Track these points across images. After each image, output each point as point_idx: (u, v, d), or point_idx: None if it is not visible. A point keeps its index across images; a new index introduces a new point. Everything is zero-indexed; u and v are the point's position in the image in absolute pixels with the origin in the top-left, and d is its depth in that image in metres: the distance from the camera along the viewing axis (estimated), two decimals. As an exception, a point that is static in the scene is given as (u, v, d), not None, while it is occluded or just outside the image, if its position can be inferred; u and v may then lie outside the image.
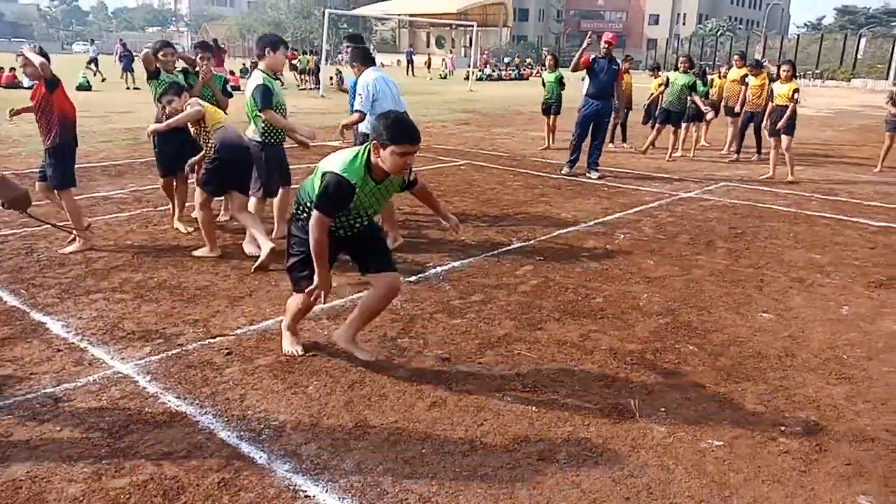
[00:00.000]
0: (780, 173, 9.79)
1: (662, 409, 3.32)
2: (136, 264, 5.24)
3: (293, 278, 3.60)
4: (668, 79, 11.34)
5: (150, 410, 3.16)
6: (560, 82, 12.26)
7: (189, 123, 5.29)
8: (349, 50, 6.07)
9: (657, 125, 11.56)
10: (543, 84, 12.38)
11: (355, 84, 5.89)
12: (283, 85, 6.82)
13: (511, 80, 41.87)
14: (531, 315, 4.49)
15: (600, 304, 4.74)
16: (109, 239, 5.88)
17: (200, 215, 5.40)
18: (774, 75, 11.88)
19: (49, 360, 3.64)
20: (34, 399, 3.23)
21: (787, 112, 9.43)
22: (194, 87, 6.15)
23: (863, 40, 45.35)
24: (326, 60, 28.70)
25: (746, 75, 11.45)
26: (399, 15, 51.34)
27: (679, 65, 11.38)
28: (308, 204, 3.38)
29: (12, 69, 21.80)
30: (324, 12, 28.55)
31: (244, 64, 33.60)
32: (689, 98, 11.11)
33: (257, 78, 5.46)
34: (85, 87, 22.40)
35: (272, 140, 5.59)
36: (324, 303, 3.68)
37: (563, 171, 9.72)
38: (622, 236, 6.50)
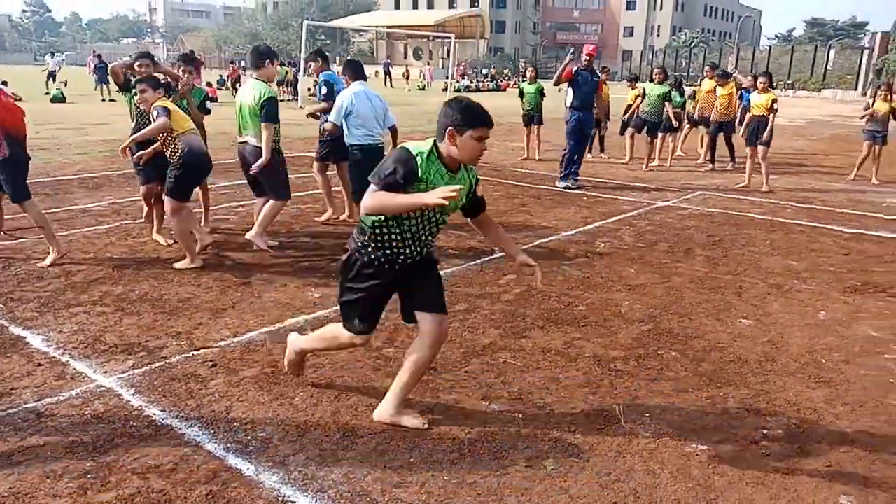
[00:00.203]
0: (756, 182, 9.97)
1: (647, 415, 3.36)
2: (116, 277, 5.18)
3: (346, 313, 3.16)
4: (644, 90, 11.57)
5: (134, 424, 3.13)
6: (540, 93, 12.40)
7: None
8: (311, 65, 6.54)
9: (631, 132, 11.77)
10: (521, 95, 12.49)
11: (326, 79, 6.46)
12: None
13: (489, 90, 42.12)
14: (515, 323, 4.52)
15: (583, 311, 4.78)
16: (89, 252, 5.82)
17: (175, 225, 5.38)
18: (743, 85, 12.15)
19: (30, 374, 3.59)
20: (15, 414, 3.19)
21: (770, 124, 9.63)
22: (171, 100, 6.11)
23: (832, 52, 46.38)
24: (304, 72, 28.69)
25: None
26: (377, 27, 51.54)
27: (654, 76, 11.67)
28: (365, 227, 2.97)
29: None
30: (301, 24, 28.57)
31: (221, 75, 33.42)
32: (664, 108, 11.36)
33: (259, 87, 5.62)
34: (59, 99, 22.16)
35: (278, 146, 5.83)
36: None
37: (561, 185, 9.58)
38: (602, 245, 6.57)
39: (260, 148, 5.64)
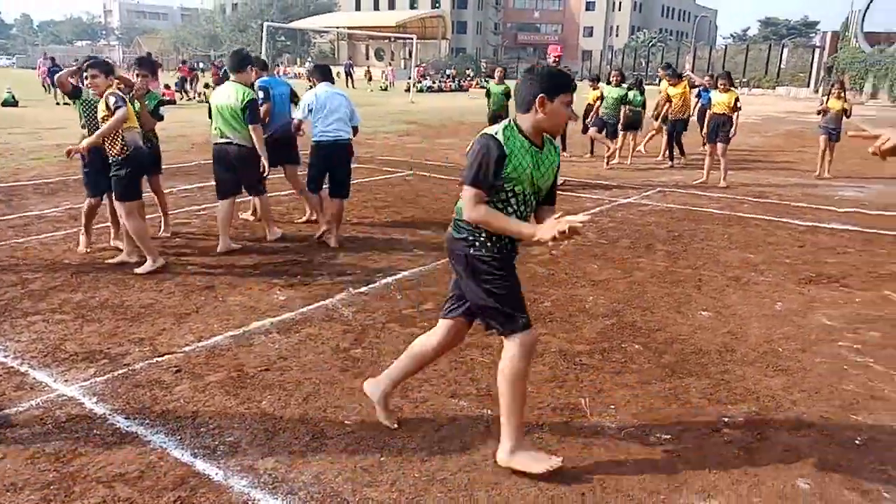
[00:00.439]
0: (714, 178, 10.19)
1: (612, 407, 3.43)
2: (75, 284, 5.08)
3: (503, 319, 2.79)
4: (602, 92, 11.81)
5: (98, 432, 3.08)
6: (507, 95, 12.45)
7: (100, 117, 5.20)
8: (255, 70, 6.64)
9: (592, 131, 11.95)
10: (488, 95, 12.54)
11: (262, 85, 6.77)
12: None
13: (451, 91, 42.22)
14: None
15: (548, 307, 4.84)
16: (46, 259, 5.68)
17: (133, 226, 5.31)
18: (695, 83, 12.43)
19: (-13, 385, 3.50)
20: (-27, 426, 3.11)
21: (735, 121, 9.95)
22: None
23: (785, 50, 47.55)
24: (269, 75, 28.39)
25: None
26: (338, 28, 51.22)
27: (611, 79, 11.91)
28: (462, 224, 2.77)
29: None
30: (262, 25, 28.25)
31: (179, 77, 32.85)
32: (623, 108, 11.64)
33: (240, 90, 5.83)
34: (10, 102, 21.54)
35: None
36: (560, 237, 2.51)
37: None
38: (566, 242, 6.64)
39: (244, 147, 5.87)
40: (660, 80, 13.54)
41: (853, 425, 3.32)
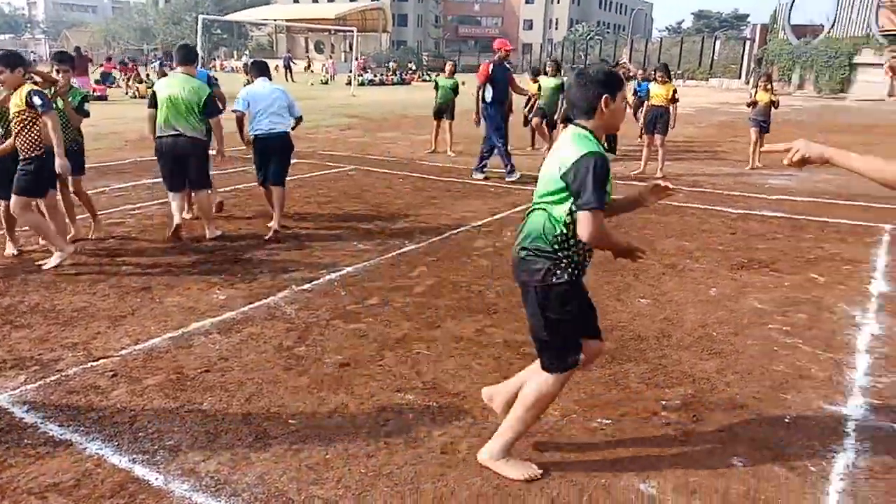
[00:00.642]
0: (651, 169, 10.45)
1: (555, 395, 3.49)
2: (2, 288, 4.86)
3: (561, 354, 2.72)
4: (539, 85, 11.97)
5: (29, 442, 2.96)
6: (455, 89, 12.46)
7: (13, 113, 5.03)
8: (172, 66, 6.98)
9: (536, 121, 12.09)
10: (436, 88, 12.53)
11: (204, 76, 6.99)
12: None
13: (393, 84, 42.02)
14: (428, 314, 4.57)
15: (493, 299, 4.89)
16: (-31, 263, 5.43)
17: (28, 220, 5.20)
18: (630, 75, 12.70)
19: None
20: None
21: (674, 113, 10.23)
22: None
23: (718, 43, 49.00)
24: (202, 67, 27.69)
25: None
26: (275, 20, 50.30)
27: (547, 69, 12.07)
28: (545, 246, 2.61)
29: None
30: (197, 18, 27.51)
31: (101, 73, 31.69)
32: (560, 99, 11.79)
33: (193, 83, 6.05)
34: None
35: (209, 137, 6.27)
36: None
37: (480, 177, 9.76)
38: (509, 234, 6.72)
39: (195, 138, 6.03)
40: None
41: (783, 404, 3.47)
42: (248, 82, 6.76)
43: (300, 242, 6.21)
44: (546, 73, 12.08)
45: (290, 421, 3.19)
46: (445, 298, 4.88)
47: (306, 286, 5.05)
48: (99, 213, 6.45)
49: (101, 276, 5.15)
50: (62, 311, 4.48)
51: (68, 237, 5.76)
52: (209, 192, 6.40)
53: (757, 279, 5.46)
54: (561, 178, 2.51)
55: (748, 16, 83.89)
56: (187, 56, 6.23)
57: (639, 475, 2.83)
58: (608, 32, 73.30)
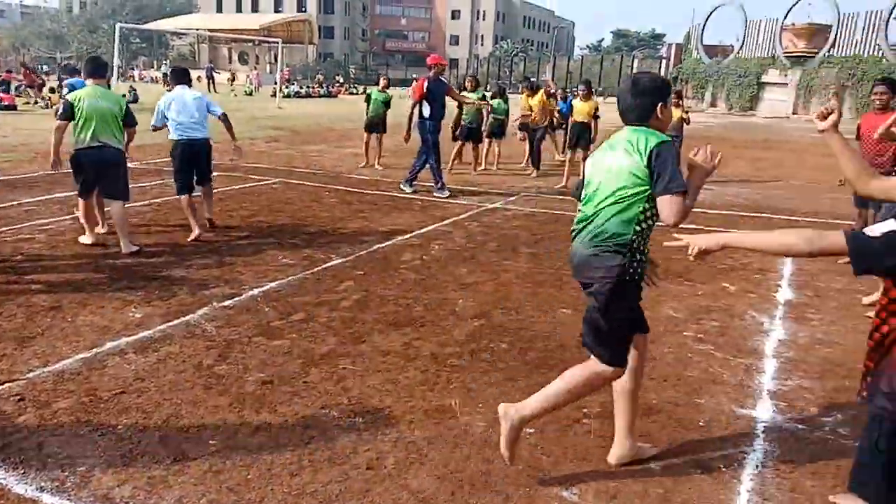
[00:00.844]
0: (573, 183, 10.73)
1: (481, 405, 3.53)
2: None
3: (618, 348, 2.81)
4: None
5: (-77, 474, 2.77)
6: (387, 103, 12.44)
7: None
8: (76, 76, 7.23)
9: (461, 141, 12.22)
10: (368, 101, 12.47)
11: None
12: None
13: (320, 97, 41.67)
14: (354, 329, 4.54)
15: (420, 312, 4.90)
16: None
17: None
18: (551, 92, 13.05)
19: None
20: None
21: (595, 129, 10.60)
22: None
23: (636, 61, 50.99)
24: (118, 78, 26.69)
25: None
26: (197, 30, 49.13)
27: (466, 84, 12.30)
28: (625, 242, 2.72)
29: None
30: (114, 26, 26.54)
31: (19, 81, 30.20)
32: (483, 114, 12.01)
33: (113, 94, 6.34)
34: None
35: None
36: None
37: (409, 190, 9.75)
38: (436, 247, 6.77)
39: (119, 149, 6.14)
40: (521, 91, 14.12)
41: (697, 408, 3.62)
42: (169, 90, 6.75)
43: (221, 258, 6.06)
44: (465, 88, 12.25)
45: (210, 441, 3.10)
46: (372, 312, 4.86)
47: (228, 302, 4.93)
48: (6, 228, 6.12)
49: (9, 296, 4.87)
50: (-38, 333, 4.22)
51: None
52: (123, 204, 6.21)
53: (672, 288, 5.68)
54: (646, 166, 2.62)
55: (664, 35, 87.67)
56: (97, 70, 6.26)
57: (562, 485, 2.89)
58: (532, 49, 75.08)
